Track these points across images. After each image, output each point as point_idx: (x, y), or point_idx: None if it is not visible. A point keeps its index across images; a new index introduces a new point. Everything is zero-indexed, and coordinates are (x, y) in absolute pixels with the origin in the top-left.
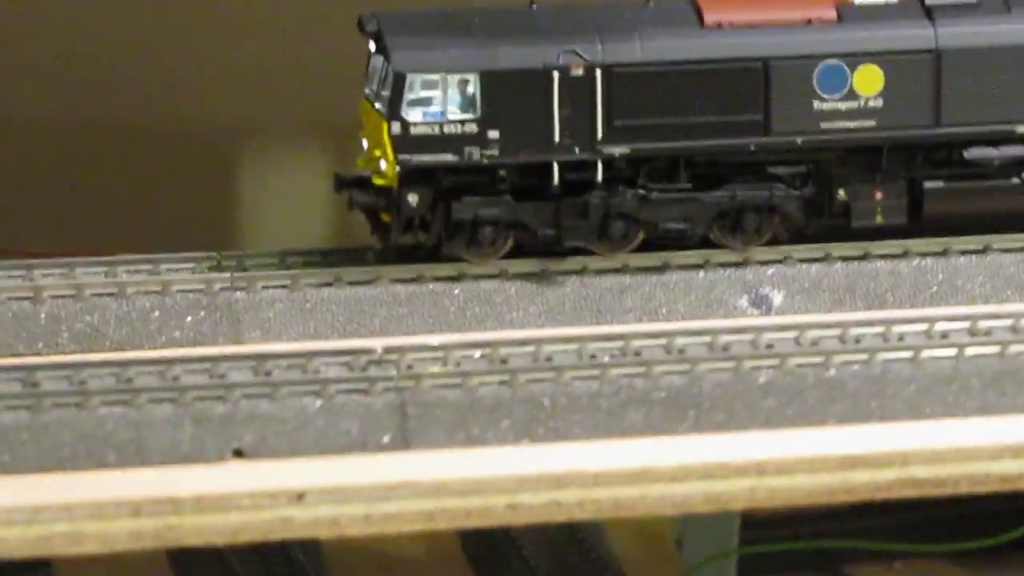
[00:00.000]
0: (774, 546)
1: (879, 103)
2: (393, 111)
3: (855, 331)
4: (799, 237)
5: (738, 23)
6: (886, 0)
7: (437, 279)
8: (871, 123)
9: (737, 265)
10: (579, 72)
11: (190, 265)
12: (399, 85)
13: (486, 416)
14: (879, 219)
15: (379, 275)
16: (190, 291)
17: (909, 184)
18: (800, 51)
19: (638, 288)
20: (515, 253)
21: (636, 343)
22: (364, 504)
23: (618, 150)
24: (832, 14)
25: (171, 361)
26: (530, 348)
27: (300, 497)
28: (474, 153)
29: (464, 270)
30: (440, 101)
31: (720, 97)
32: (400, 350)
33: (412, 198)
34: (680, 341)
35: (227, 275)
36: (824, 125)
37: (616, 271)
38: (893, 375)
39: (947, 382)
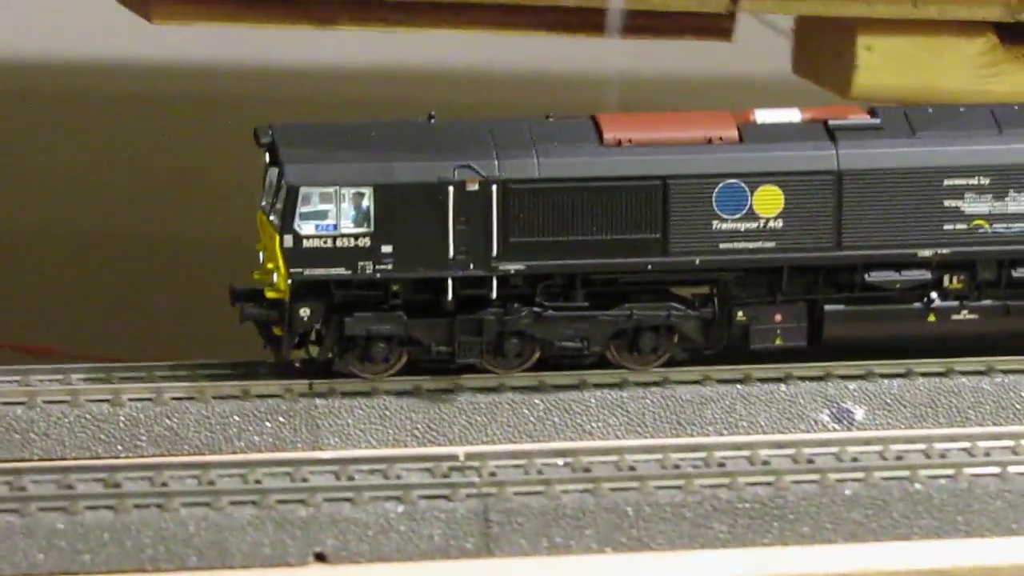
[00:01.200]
0: None
1: (779, 224)
2: (286, 224)
3: (940, 446)
4: (881, 353)
5: (638, 141)
6: (789, 120)
7: (516, 389)
8: (771, 244)
9: (818, 379)
10: (475, 187)
11: (267, 370)
12: (292, 198)
13: (569, 524)
14: (778, 341)
15: (459, 384)
16: (269, 396)
17: (809, 306)
18: (699, 170)
19: (719, 400)
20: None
21: (719, 454)
22: None
23: (513, 267)
24: (734, 133)
25: (253, 464)
26: (613, 457)
27: None
28: (367, 267)
29: (543, 380)
30: (334, 215)
31: (618, 215)
32: (482, 457)
33: (304, 312)
34: (764, 453)
35: (306, 382)
36: (723, 246)
37: (697, 383)
38: (980, 490)
39: None
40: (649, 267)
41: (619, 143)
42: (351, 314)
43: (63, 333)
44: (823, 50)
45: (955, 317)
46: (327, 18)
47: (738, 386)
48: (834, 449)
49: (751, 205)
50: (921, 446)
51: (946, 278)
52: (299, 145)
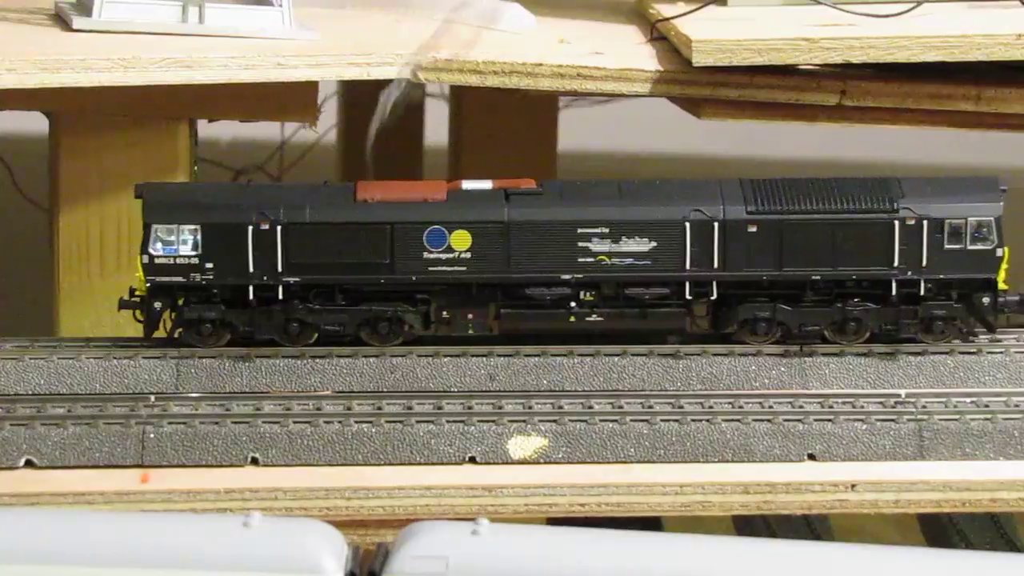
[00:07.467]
0: None
1: (469, 255)
2: (144, 248)
3: None
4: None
5: (378, 199)
6: (483, 188)
7: (936, 352)
8: (463, 268)
9: None
10: (266, 227)
11: (750, 340)
12: (148, 231)
13: (975, 440)
14: (471, 330)
15: (898, 349)
16: (771, 355)
17: (494, 309)
18: (416, 219)
19: (1010, 363)
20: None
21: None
22: (894, 493)
23: (293, 279)
24: (443, 195)
25: (765, 396)
26: (1003, 398)
27: (853, 487)
28: (196, 276)
29: (952, 347)
30: (175, 242)
31: (362, 247)
32: (917, 396)
33: (157, 304)
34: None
35: (796, 347)
36: (431, 268)
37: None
38: None
39: None
40: (382, 281)
41: (366, 201)
42: (188, 306)
43: None
44: None
45: (588, 319)
46: (811, 115)
47: (1000, 355)
48: None
49: (449, 242)
50: None
51: (582, 293)
52: (158, 197)
